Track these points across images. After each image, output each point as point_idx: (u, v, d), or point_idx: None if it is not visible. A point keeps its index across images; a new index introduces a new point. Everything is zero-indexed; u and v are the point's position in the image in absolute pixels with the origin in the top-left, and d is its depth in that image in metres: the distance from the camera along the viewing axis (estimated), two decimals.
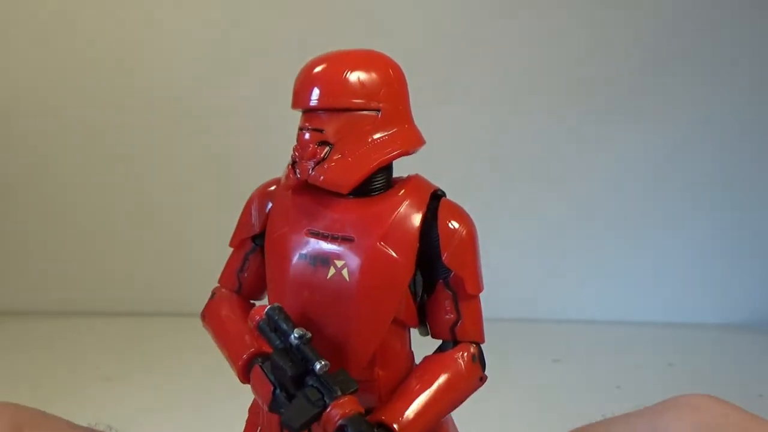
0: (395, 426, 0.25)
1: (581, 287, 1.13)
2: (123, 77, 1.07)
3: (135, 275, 1.11)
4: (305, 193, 0.27)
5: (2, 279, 1.11)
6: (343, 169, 0.26)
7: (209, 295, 0.31)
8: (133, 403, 0.74)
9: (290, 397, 0.25)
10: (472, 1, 1.07)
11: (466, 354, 0.27)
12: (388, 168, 0.27)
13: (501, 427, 0.71)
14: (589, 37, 1.08)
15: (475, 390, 0.27)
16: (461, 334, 0.27)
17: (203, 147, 1.09)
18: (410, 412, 0.25)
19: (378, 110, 0.26)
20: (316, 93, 0.27)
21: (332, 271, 0.27)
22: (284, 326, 0.25)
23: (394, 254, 0.26)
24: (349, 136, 0.27)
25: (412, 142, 0.27)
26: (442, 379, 0.26)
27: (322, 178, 0.26)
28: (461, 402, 0.27)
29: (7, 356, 0.92)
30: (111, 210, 1.10)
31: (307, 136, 0.27)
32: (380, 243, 0.26)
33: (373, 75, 0.27)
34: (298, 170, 0.27)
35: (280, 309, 0.26)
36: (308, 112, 0.27)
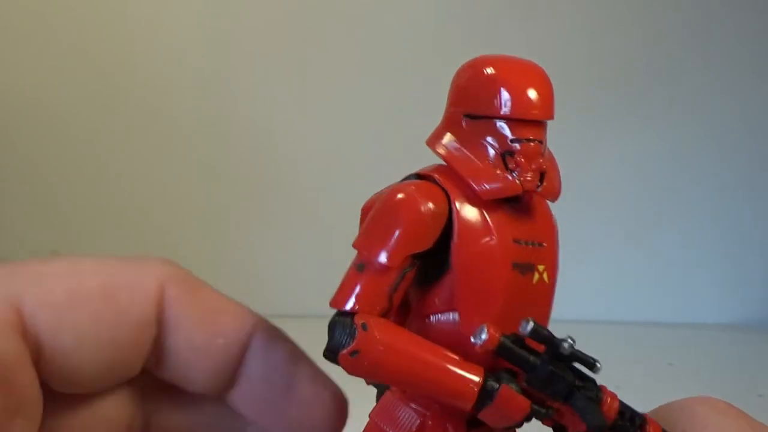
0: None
1: (581, 287, 1.13)
2: (123, 77, 1.07)
3: None
4: (496, 204, 0.28)
5: None
6: (557, 180, 0.29)
7: (338, 330, 0.26)
8: None
9: (547, 407, 0.26)
10: (472, 1, 1.07)
11: None
12: None
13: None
14: (590, 36, 1.08)
15: None
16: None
17: (203, 147, 1.09)
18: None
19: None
20: (538, 103, 0.29)
21: (536, 276, 0.28)
22: (550, 337, 0.26)
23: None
24: (546, 146, 0.30)
25: None
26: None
27: (548, 190, 0.28)
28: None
29: None
30: (111, 210, 1.11)
31: (533, 146, 0.28)
32: (557, 245, 0.29)
33: (550, 84, 0.30)
34: (519, 180, 0.27)
35: (535, 321, 0.27)
36: (527, 123, 0.28)
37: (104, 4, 1.06)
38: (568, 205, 1.07)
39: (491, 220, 0.28)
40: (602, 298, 1.13)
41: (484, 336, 0.25)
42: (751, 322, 1.13)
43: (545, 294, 0.29)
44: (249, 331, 0.26)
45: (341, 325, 0.26)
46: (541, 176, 0.28)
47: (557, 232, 0.30)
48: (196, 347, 0.25)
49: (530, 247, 0.28)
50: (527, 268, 0.28)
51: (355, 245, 0.27)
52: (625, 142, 1.10)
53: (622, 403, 0.26)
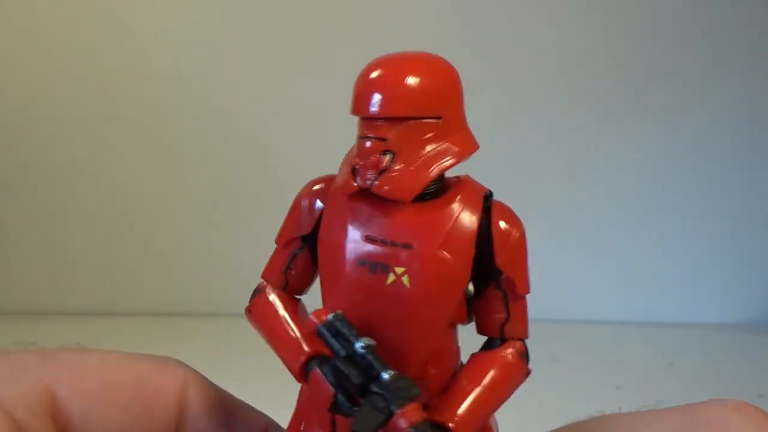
0: (451, 425, 0.25)
1: (581, 287, 1.13)
2: (123, 77, 1.07)
3: (135, 275, 1.11)
4: (361, 198, 0.27)
5: (2, 279, 1.11)
6: (406, 179, 0.26)
7: (253, 290, 0.31)
8: None
9: (353, 402, 0.25)
10: (472, 1, 1.07)
11: (514, 351, 0.28)
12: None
13: (500, 426, 0.71)
14: (591, 35, 1.08)
15: (521, 384, 0.28)
16: (509, 332, 0.28)
17: (202, 147, 1.09)
18: (464, 409, 0.26)
19: (440, 117, 0.27)
20: (379, 100, 0.26)
21: (392, 277, 0.26)
22: (348, 334, 0.26)
23: (452, 260, 0.26)
24: (410, 144, 0.27)
25: (468, 147, 0.28)
26: (493, 376, 0.27)
27: (385, 188, 0.26)
28: (509, 396, 0.28)
29: None
30: (110, 210, 1.10)
31: (368, 144, 0.27)
32: (440, 250, 0.26)
33: (435, 80, 0.27)
34: (358, 178, 0.27)
35: (343, 317, 0.26)
36: (369, 119, 0.27)
37: (105, 5, 1.06)
38: (568, 206, 1.08)
39: (350, 215, 0.27)
40: (602, 298, 1.13)
41: (317, 322, 0.26)
42: (751, 322, 1.13)
43: (404, 299, 0.26)
44: (263, 429, 0.28)
45: (255, 288, 0.30)
46: (382, 174, 0.26)
47: (456, 231, 0.27)
48: None
49: (388, 246, 0.26)
50: (379, 268, 0.26)
51: None
52: (624, 143, 1.10)
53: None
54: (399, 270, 0.26)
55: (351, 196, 0.27)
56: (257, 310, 0.30)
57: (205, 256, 1.10)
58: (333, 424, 0.28)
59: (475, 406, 0.26)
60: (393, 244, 0.26)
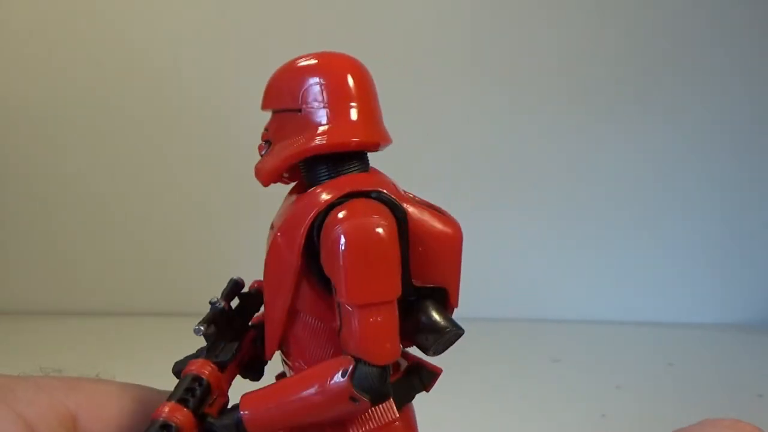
0: (242, 396, 0.26)
1: (581, 287, 1.13)
2: (123, 77, 1.07)
3: (135, 275, 1.11)
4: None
5: (2, 279, 1.11)
6: (262, 164, 0.29)
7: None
8: None
9: None
10: (473, 0, 1.07)
11: (338, 365, 0.25)
12: (330, 165, 0.27)
13: (500, 426, 0.71)
14: (592, 34, 1.08)
15: (344, 408, 0.25)
16: (343, 345, 0.25)
17: (202, 148, 1.09)
18: (262, 391, 0.26)
19: (299, 110, 0.27)
20: (263, 95, 0.29)
21: (266, 257, 0.28)
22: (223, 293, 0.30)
23: (283, 246, 0.27)
24: (279, 134, 0.28)
25: (328, 137, 0.27)
26: (308, 378, 0.25)
27: (256, 172, 0.29)
28: (323, 412, 0.25)
29: (6, 356, 0.92)
30: (110, 210, 1.10)
31: (263, 135, 0.30)
32: (278, 234, 0.27)
33: (293, 75, 0.28)
34: None
35: (237, 281, 0.31)
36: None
37: (105, 4, 1.06)
38: (568, 206, 1.08)
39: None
40: (602, 298, 1.13)
41: None
42: (751, 322, 1.13)
43: (265, 275, 0.28)
44: None
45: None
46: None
47: (294, 220, 0.27)
48: None
49: (271, 231, 0.29)
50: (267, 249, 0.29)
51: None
52: (624, 143, 1.10)
53: (186, 378, 0.27)
54: (266, 248, 0.28)
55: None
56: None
57: (205, 257, 1.10)
58: None
59: (273, 394, 0.26)
60: (272, 227, 0.29)
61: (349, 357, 0.25)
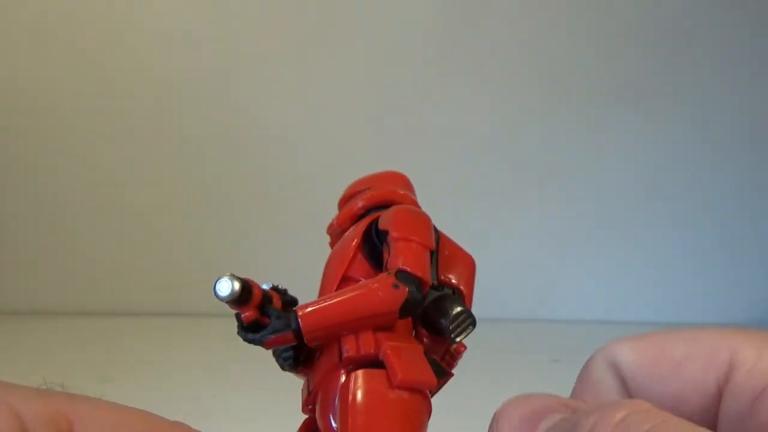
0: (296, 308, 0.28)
1: (581, 287, 1.13)
2: (123, 77, 1.07)
3: (134, 275, 1.11)
4: None
5: (2, 279, 1.11)
6: None
7: None
8: (133, 403, 0.74)
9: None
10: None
11: (385, 273, 0.29)
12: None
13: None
14: (593, 33, 1.08)
15: (389, 297, 0.29)
16: (390, 267, 0.29)
17: (204, 149, 1.09)
18: (313, 302, 0.28)
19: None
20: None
21: None
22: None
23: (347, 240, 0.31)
24: None
25: None
26: (354, 287, 0.29)
27: None
28: (372, 305, 0.29)
29: (6, 356, 0.92)
30: (110, 209, 1.10)
31: None
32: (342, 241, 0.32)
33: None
34: None
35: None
36: None
37: (106, 5, 1.06)
38: (568, 206, 1.08)
39: None
40: (602, 298, 1.13)
41: None
42: (751, 322, 1.13)
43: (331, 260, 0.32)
44: None
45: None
46: None
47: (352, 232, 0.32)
48: None
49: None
50: None
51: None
52: (624, 143, 1.10)
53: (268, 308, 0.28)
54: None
55: None
56: None
57: (206, 257, 1.10)
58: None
59: (324, 302, 0.28)
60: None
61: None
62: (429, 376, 0.27)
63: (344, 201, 0.35)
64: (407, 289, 0.28)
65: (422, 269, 0.29)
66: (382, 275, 0.29)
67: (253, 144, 1.08)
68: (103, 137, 1.08)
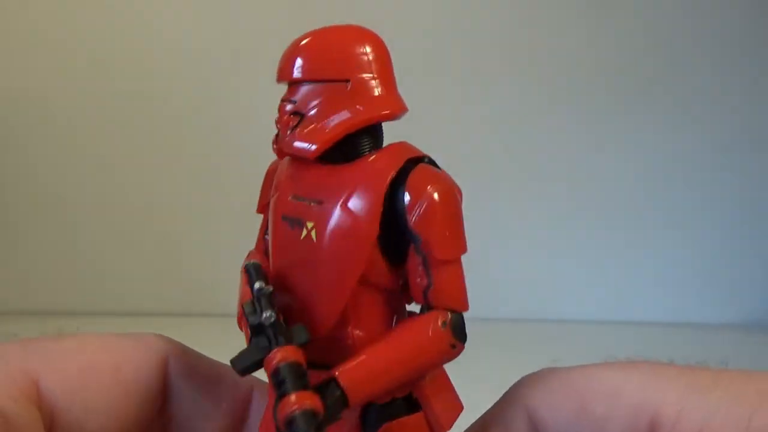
0: (336, 373, 0.25)
1: (581, 287, 1.13)
2: (123, 76, 1.07)
3: (134, 275, 1.11)
4: (297, 162, 0.29)
5: (3, 279, 1.11)
6: (310, 136, 0.27)
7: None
8: None
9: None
10: None
11: (434, 319, 0.26)
12: (373, 135, 0.28)
13: None
14: (595, 32, 1.08)
15: (445, 357, 0.27)
16: (433, 300, 0.27)
17: (202, 147, 1.09)
18: (355, 363, 0.25)
19: (347, 80, 0.27)
20: (287, 67, 0.28)
21: (304, 232, 0.27)
22: (254, 278, 0.26)
23: (356, 216, 0.26)
24: (317, 106, 0.27)
25: (379, 108, 0.28)
26: (402, 338, 0.26)
27: (294, 144, 0.27)
28: (424, 365, 0.26)
29: None
30: (110, 209, 1.10)
31: (281, 107, 0.28)
32: (344, 205, 0.26)
33: (337, 46, 0.28)
34: (276, 139, 0.28)
35: (256, 264, 0.27)
36: (289, 86, 0.29)
37: (106, 4, 1.06)
38: (568, 205, 1.08)
39: (284, 177, 0.29)
40: (602, 298, 1.13)
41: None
42: (751, 322, 1.13)
43: (313, 251, 0.27)
44: (248, 390, 0.28)
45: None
46: (291, 133, 0.27)
47: (360, 190, 0.26)
48: (201, 414, 0.27)
49: (305, 203, 0.27)
50: (296, 223, 0.28)
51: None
52: (624, 143, 1.10)
53: (287, 370, 0.24)
54: (309, 225, 0.27)
55: (290, 163, 0.29)
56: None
57: (206, 257, 1.10)
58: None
59: (369, 361, 0.25)
60: (308, 201, 0.27)
61: (441, 310, 0.26)
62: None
63: (310, 68, 0.28)
64: (462, 347, 0.26)
65: (465, 298, 0.27)
66: (432, 320, 0.26)
67: (255, 144, 1.08)
68: (103, 137, 1.08)
